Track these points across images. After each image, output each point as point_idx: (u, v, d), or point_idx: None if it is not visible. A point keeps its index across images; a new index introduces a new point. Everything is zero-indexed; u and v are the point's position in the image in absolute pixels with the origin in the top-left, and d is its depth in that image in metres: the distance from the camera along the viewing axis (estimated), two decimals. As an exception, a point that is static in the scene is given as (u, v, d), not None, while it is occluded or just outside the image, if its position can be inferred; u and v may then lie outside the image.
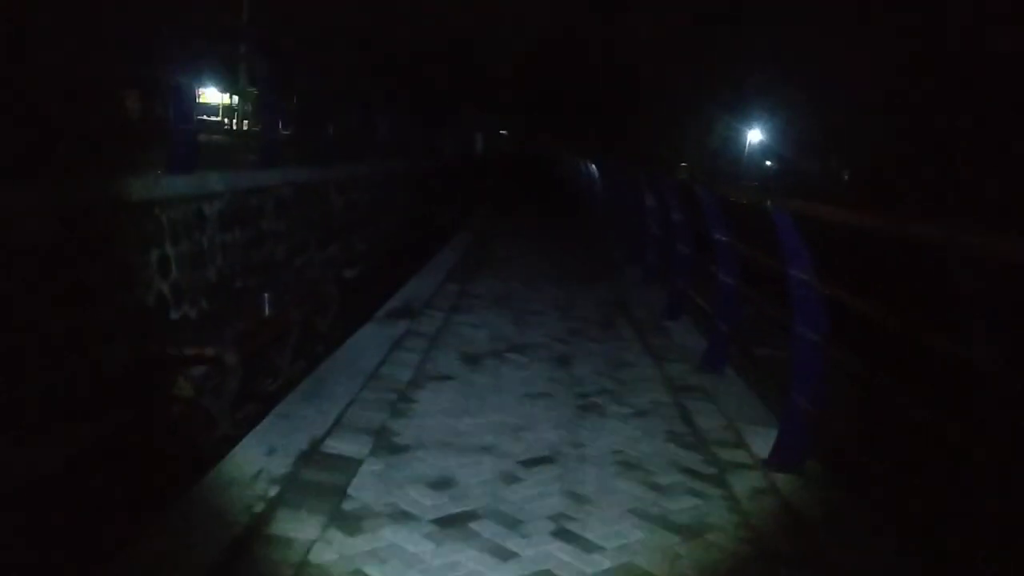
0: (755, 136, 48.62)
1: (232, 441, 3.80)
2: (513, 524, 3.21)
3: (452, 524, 3.18)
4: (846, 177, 42.00)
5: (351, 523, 3.12)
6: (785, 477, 3.87)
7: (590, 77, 49.22)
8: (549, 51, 48.89)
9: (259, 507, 3.16)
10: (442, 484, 3.54)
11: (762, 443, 4.22)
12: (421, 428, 4.20)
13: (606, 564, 2.97)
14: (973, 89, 27.80)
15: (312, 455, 3.71)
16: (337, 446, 3.85)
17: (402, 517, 3.20)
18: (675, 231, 7.82)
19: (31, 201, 3.89)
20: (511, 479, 3.66)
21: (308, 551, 2.89)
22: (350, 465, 3.65)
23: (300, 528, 3.04)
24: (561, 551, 3.03)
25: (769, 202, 4.33)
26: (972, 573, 3.87)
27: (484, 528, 3.17)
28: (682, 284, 7.75)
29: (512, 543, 3.06)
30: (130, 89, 9.83)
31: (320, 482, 3.44)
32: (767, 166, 48.89)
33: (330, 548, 2.93)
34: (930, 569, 3.39)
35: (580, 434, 4.33)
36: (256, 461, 3.57)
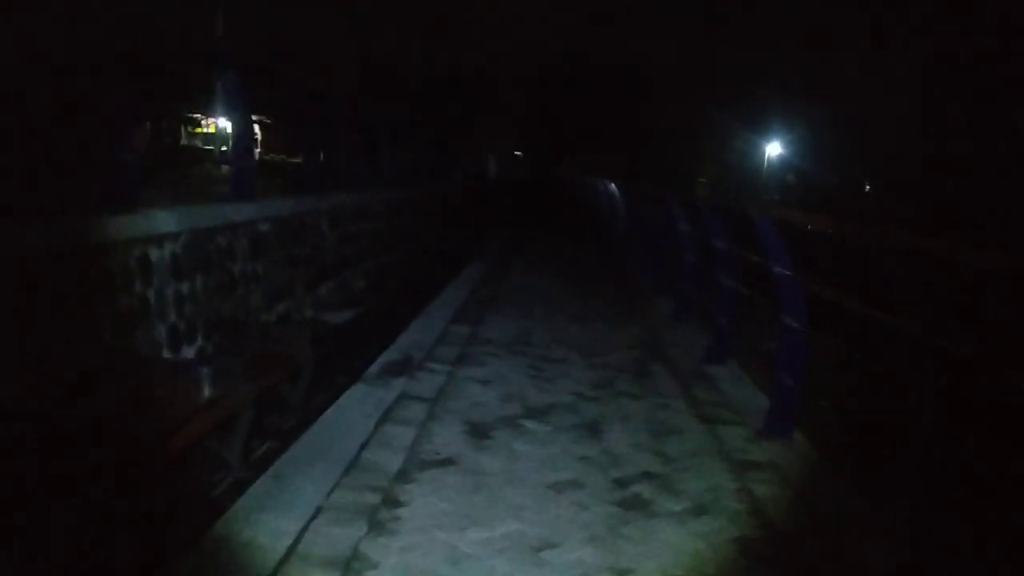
0: (774, 150, 47.84)
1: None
2: None
3: None
4: (868, 188, 41.10)
5: None
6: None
7: (606, 96, 48.36)
8: (563, 71, 48.10)
9: None
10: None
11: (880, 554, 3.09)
12: (407, 553, 3.10)
13: None
14: (995, 100, 26.97)
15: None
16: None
17: None
18: (718, 260, 6.70)
19: None
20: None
21: None
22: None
23: None
24: None
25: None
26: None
27: None
28: (727, 322, 6.62)
29: None
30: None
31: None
32: (788, 180, 48.16)
33: None
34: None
35: (624, 550, 3.21)
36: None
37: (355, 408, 4.76)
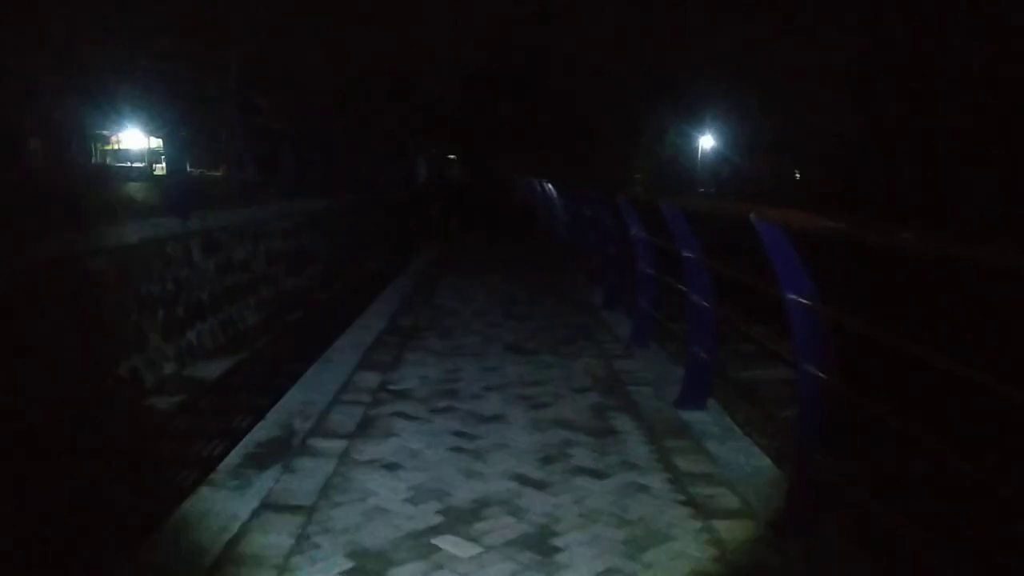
0: (707, 142, 47.63)
1: None
2: None
3: None
4: (797, 177, 41.12)
5: None
6: None
7: (537, 95, 47.13)
8: (494, 68, 46.64)
9: None
10: None
11: None
12: None
13: None
14: (923, 85, 26.75)
15: None
16: None
17: None
18: (689, 274, 5.26)
19: None
20: None
21: None
22: None
23: None
24: None
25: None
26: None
27: None
28: (706, 352, 5.18)
29: None
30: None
31: None
32: (722, 172, 48.10)
33: None
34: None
35: None
36: None
37: (183, 539, 3.17)
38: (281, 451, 4.16)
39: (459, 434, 4.54)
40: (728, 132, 44.67)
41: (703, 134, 47.72)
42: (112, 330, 5.22)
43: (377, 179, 19.31)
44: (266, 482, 3.75)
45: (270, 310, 8.00)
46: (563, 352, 6.71)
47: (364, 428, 4.61)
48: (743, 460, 4.18)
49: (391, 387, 5.51)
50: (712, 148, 48.41)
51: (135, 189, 11.77)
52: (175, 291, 5.99)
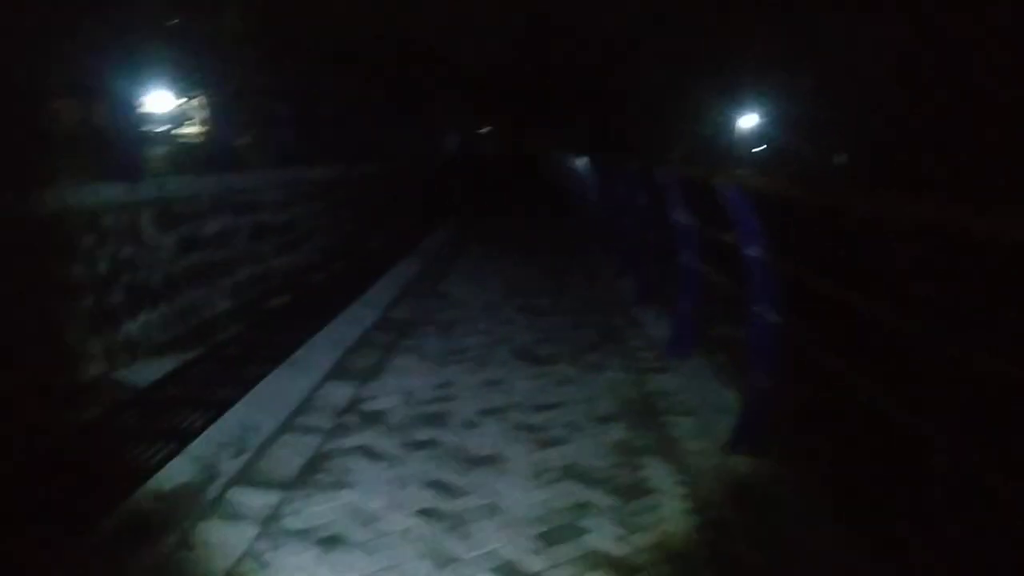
0: (748, 121, 46.21)
1: None
2: None
3: None
4: (839, 161, 39.72)
5: None
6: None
7: (577, 69, 45.55)
8: (528, 44, 45.10)
9: None
10: None
11: None
12: None
13: None
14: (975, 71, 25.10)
15: None
16: None
17: None
18: (758, 278, 4.00)
19: None
20: None
21: None
22: None
23: None
24: None
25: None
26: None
27: None
28: (770, 379, 3.95)
29: None
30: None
31: None
32: (758, 150, 46.97)
33: None
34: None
35: None
36: None
37: None
38: (185, 510, 3.02)
39: (437, 486, 3.37)
40: (771, 111, 43.19)
41: (746, 112, 46.30)
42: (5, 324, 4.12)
43: (398, 149, 18.12)
44: (142, 570, 2.61)
45: (249, 294, 6.90)
46: (585, 362, 5.50)
47: (311, 471, 3.45)
48: (839, 544, 2.97)
49: (363, 406, 4.35)
50: (754, 127, 46.98)
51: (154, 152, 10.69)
52: (111, 272, 4.87)
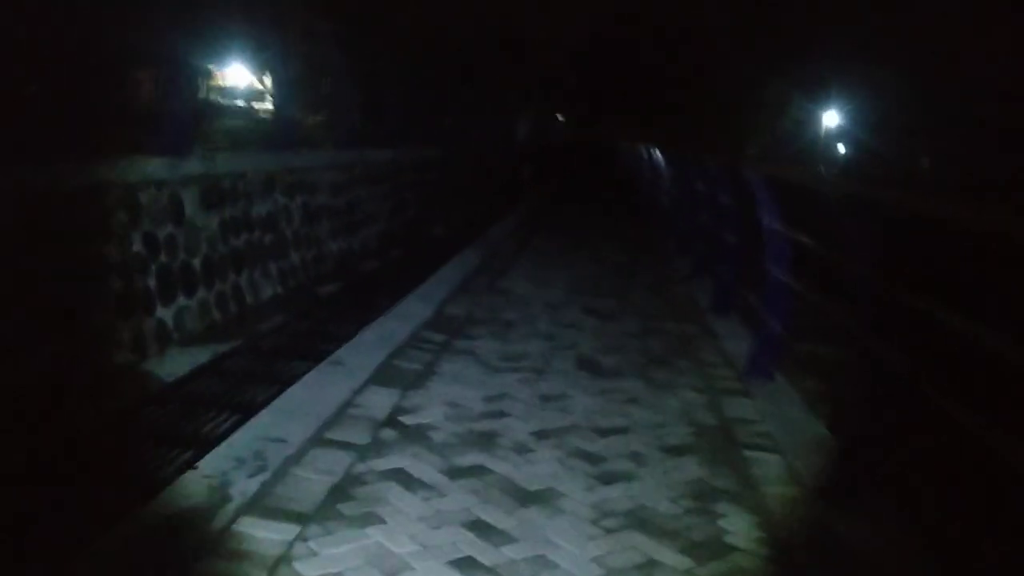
0: (832, 119, 44.95)
1: None
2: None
3: None
4: (925, 164, 38.31)
5: None
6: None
7: (654, 60, 44.49)
8: (611, 33, 44.19)
9: None
10: None
11: None
12: None
13: None
14: None
15: None
16: None
17: None
18: (867, 306, 3.42)
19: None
20: None
21: None
22: None
23: None
24: None
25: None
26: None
27: None
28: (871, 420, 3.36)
29: None
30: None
31: None
32: (839, 152, 45.88)
33: None
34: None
35: None
36: None
37: None
38: (183, 543, 2.59)
39: (479, 528, 2.88)
40: (859, 110, 41.89)
41: (827, 110, 45.10)
42: (19, 308, 3.77)
43: (470, 134, 17.69)
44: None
45: (299, 280, 6.53)
46: (654, 378, 4.95)
47: (336, 499, 3.00)
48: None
49: (405, 418, 3.89)
50: (836, 126, 45.79)
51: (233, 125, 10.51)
52: (148, 254, 4.51)
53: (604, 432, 3.93)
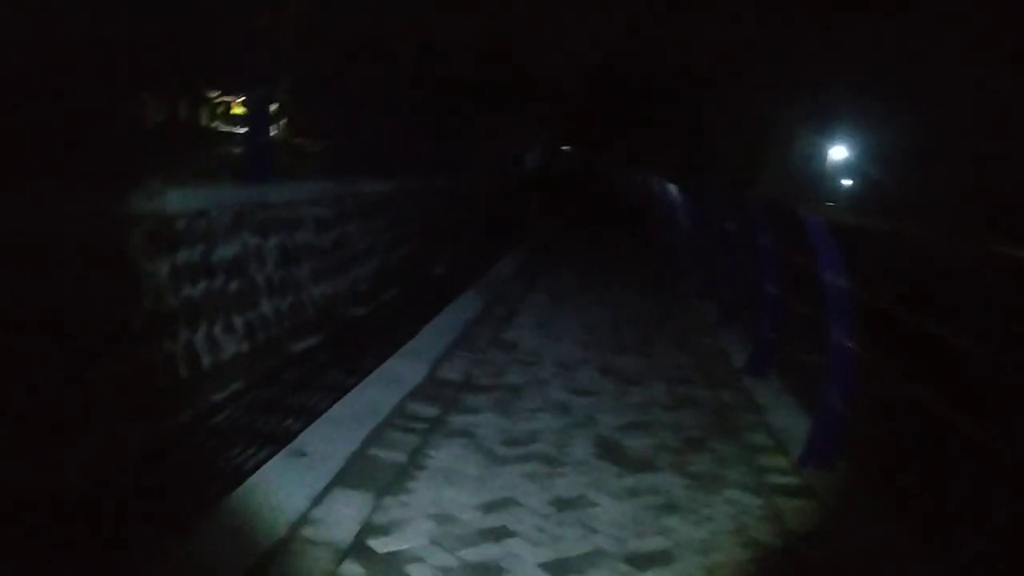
0: (839, 152, 44.83)
1: None
2: None
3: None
4: (924, 196, 37.98)
5: None
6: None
7: (661, 92, 43.93)
8: (618, 65, 43.63)
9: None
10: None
11: None
12: None
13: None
14: None
15: None
16: None
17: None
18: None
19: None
20: None
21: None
22: None
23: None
24: None
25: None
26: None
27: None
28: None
29: None
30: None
31: None
32: (844, 184, 45.90)
33: None
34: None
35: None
36: None
37: None
38: None
39: None
40: (864, 143, 41.84)
41: (834, 144, 45.05)
42: None
43: (474, 164, 16.85)
44: None
45: (271, 333, 5.63)
46: (693, 469, 4.00)
47: None
48: None
49: (376, 543, 2.95)
50: (844, 159, 45.68)
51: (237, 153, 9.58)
52: (54, 313, 3.59)
53: (639, 562, 2.98)
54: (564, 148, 52.92)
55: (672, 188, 13.73)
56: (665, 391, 5.41)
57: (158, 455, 3.73)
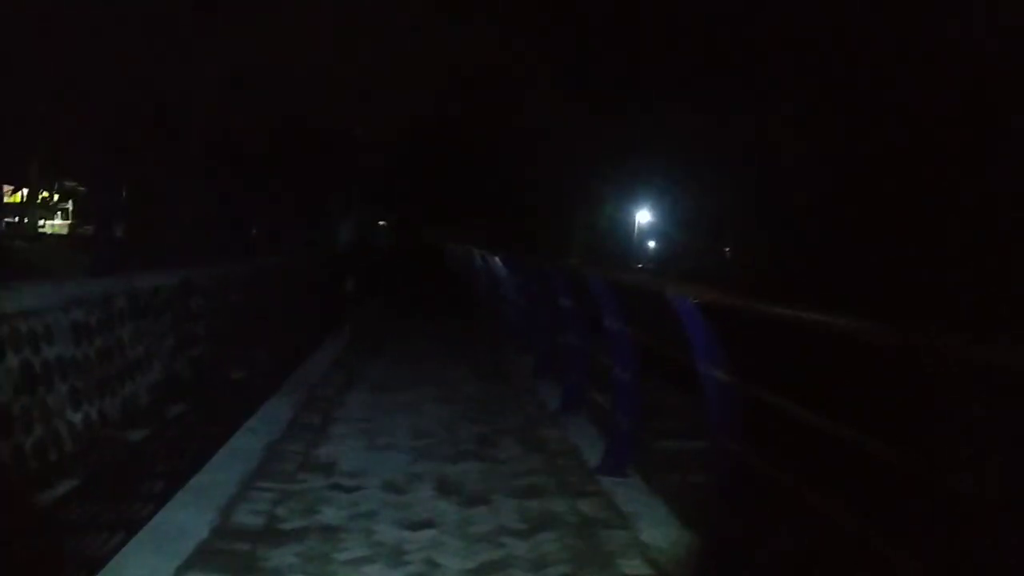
0: (644, 216, 47.24)
1: None
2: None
3: None
4: (727, 254, 40.95)
5: None
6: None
7: (476, 162, 44.32)
8: (430, 137, 43.59)
9: None
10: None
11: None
12: None
13: None
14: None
15: None
16: None
17: None
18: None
19: None
20: None
21: None
22: None
23: None
24: None
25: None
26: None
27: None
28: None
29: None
30: None
31: None
32: (650, 247, 48.55)
33: None
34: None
35: None
36: None
37: None
38: None
39: None
40: (666, 207, 44.40)
41: (640, 208, 47.41)
42: None
43: (282, 245, 15.58)
44: None
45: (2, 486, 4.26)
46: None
47: None
48: None
49: None
50: (648, 222, 48.07)
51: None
52: None
53: None
54: (380, 223, 52.05)
55: (496, 260, 13.10)
56: (516, 510, 4.49)
57: None
